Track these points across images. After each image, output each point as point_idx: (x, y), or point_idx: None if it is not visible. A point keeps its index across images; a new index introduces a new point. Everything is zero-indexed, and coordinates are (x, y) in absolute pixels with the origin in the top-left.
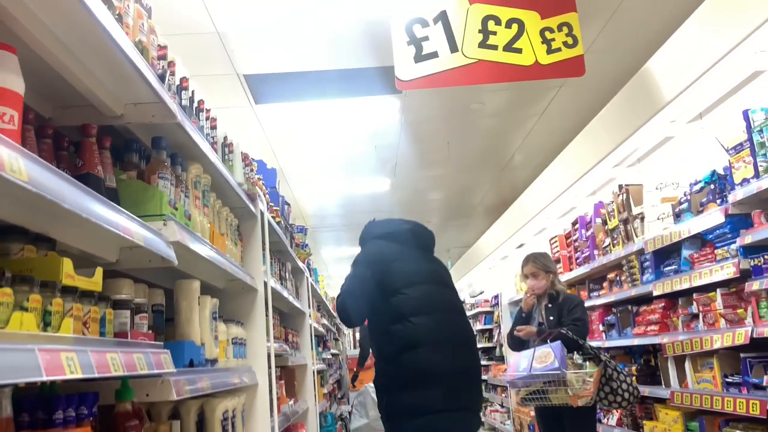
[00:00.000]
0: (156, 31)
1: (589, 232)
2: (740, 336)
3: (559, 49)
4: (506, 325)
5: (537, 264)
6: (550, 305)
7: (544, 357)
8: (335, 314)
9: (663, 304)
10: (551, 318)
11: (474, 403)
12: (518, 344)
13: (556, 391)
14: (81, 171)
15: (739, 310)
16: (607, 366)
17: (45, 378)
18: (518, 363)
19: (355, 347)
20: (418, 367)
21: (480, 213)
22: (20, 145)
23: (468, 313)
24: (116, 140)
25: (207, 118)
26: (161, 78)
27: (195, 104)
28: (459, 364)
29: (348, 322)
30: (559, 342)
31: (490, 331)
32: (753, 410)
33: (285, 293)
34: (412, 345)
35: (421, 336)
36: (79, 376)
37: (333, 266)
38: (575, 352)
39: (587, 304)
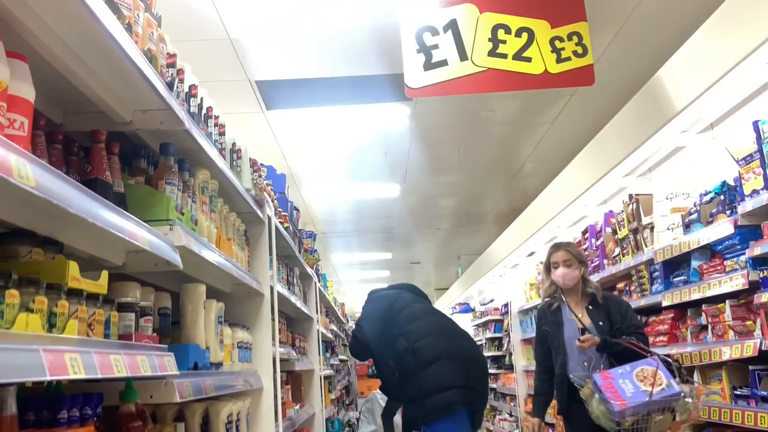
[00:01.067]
0: (165, 40)
1: (599, 242)
2: (749, 348)
3: (568, 59)
4: (516, 334)
5: (571, 251)
6: (591, 307)
7: (650, 378)
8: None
9: (672, 314)
10: (600, 323)
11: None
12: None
13: (663, 419)
14: (90, 176)
15: (747, 322)
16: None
17: (49, 378)
18: (618, 385)
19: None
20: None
21: (490, 220)
22: (30, 150)
23: (477, 321)
24: (125, 146)
25: (215, 125)
26: (170, 85)
27: (204, 111)
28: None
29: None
30: (654, 357)
31: (500, 339)
32: (761, 423)
33: (292, 298)
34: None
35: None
36: (83, 376)
37: (343, 272)
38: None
39: None
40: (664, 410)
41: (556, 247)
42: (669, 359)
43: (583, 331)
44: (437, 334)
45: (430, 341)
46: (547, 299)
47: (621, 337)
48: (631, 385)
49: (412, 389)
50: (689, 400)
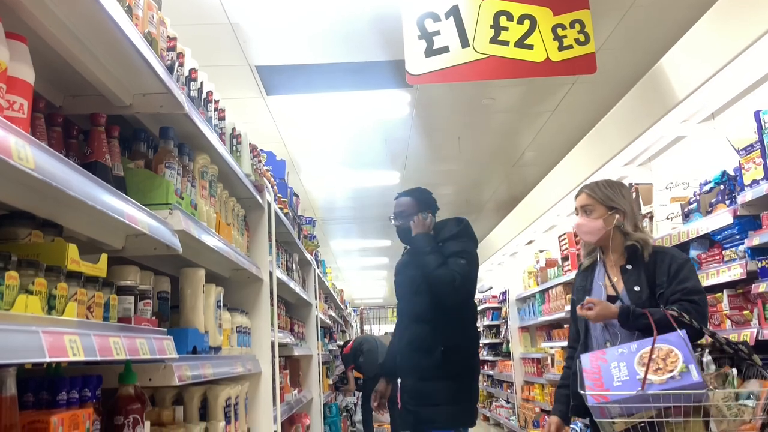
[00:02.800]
0: (166, 23)
1: None
2: (746, 337)
3: (570, 46)
4: (514, 322)
5: (594, 194)
6: (629, 266)
7: (662, 360)
8: (437, 287)
9: None
10: (637, 288)
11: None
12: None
13: (684, 427)
14: (89, 159)
15: (745, 312)
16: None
17: (48, 359)
18: (607, 369)
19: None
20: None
21: (490, 209)
22: (30, 132)
23: None
24: (125, 129)
25: (215, 109)
26: (170, 69)
27: (203, 95)
28: None
29: (445, 301)
30: (677, 332)
31: (498, 327)
32: None
33: (291, 284)
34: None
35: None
36: (82, 358)
37: (342, 258)
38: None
39: None
40: (690, 411)
41: (580, 190)
42: (724, 339)
43: (613, 299)
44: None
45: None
46: (585, 258)
47: (662, 306)
48: (626, 369)
49: (450, 389)
50: (721, 399)
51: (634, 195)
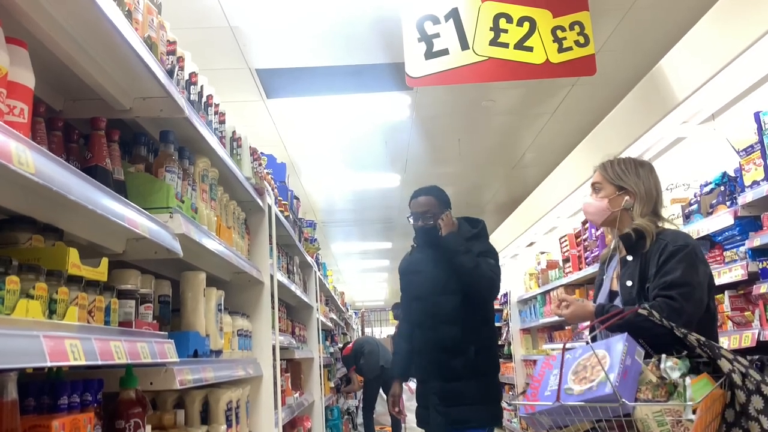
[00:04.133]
0: (166, 27)
1: (598, 232)
2: (747, 338)
3: (570, 48)
4: (515, 324)
5: (605, 171)
6: (629, 257)
7: (590, 368)
8: (478, 286)
9: None
10: (628, 283)
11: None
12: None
13: None
14: (90, 163)
15: (746, 313)
16: (734, 384)
17: (49, 364)
18: (547, 377)
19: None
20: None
21: (490, 211)
22: (30, 137)
23: None
24: (125, 133)
25: (215, 113)
26: (170, 73)
27: (204, 99)
28: None
29: (484, 300)
30: (623, 335)
31: (499, 328)
32: None
33: (292, 287)
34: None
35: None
36: (83, 362)
37: (343, 261)
38: (665, 353)
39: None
40: (623, 426)
41: (595, 168)
42: (677, 333)
43: (613, 295)
44: None
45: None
46: (606, 248)
47: (640, 303)
48: (554, 379)
49: (481, 388)
50: (648, 413)
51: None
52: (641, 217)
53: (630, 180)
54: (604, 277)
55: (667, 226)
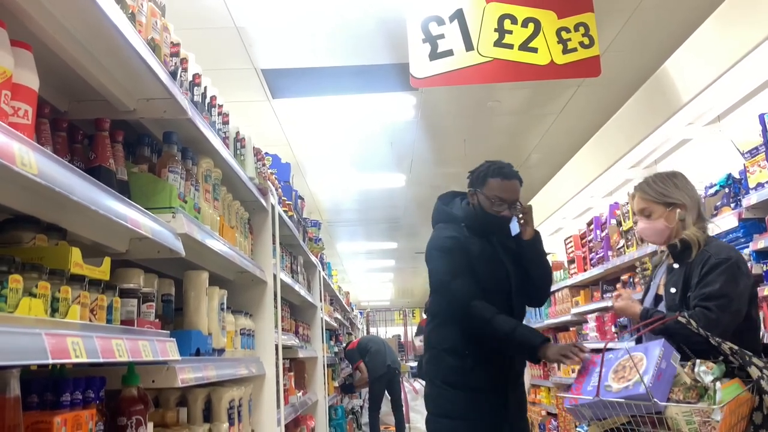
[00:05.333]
0: (169, 29)
1: (603, 233)
2: None
3: (575, 49)
4: None
5: (647, 195)
6: (675, 265)
7: (629, 369)
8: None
9: None
10: (672, 290)
11: None
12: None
13: None
14: (93, 164)
15: None
16: (762, 390)
17: (51, 361)
18: (591, 373)
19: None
20: None
21: None
22: (35, 138)
23: None
24: (129, 134)
25: (219, 114)
26: (173, 75)
27: (207, 100)
28: None
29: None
30: (661, 341)
31: None
32: None
33: (296, 286)
34: None
35: None
36: (84, 360)
37: (348, 260)
38: (699, 359)
39: (599, 305)
40: (655, 423)
41: (633, 191)
42: (712, 342)
43: (658, 299)
44: None
45: None
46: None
47: (681, 311)
48: (595, 377)
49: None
50: (677, 412)
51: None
52: (693, 226)
53: (675, 193)
54: (652, 282)
55: (709, 227)
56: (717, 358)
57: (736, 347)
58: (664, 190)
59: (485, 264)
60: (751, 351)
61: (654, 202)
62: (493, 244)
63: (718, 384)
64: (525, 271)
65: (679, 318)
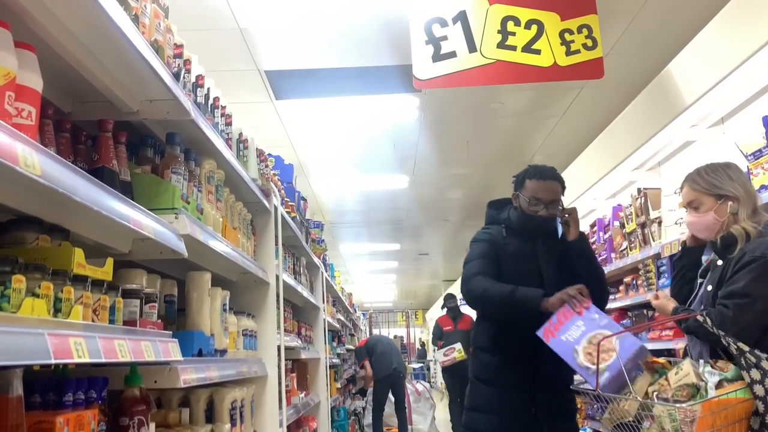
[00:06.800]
0: (173, 30)
1: (606, 235)
2: None
3: (578, 51)
4: None
5: (697, 185)
6: (719, 262)
7: (599, 351)
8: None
9: None
10: (709, 287)
11: None
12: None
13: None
14: (97, 164)
15: None
16: (756, 395)
17: (53, 361)
18: (572, 322)
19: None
20: None
21: None
22: (38, 139)
23: None
24: (132, 135)
25: (222, 115)
26: (176, 76)
27: (210, 101)
28: None
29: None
30: (639, 344)
31: None
32: None
33: (299, 288)
34: None
35: None
36: (87, 360)
37: (351, 262)
38: (713, 359)
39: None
40: (638, 417)
41: (683, 182)
42: (725, 342)
43: (694, 296)
44: None
45: None
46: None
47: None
48: (576, 334)
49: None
50: (665, 414)
51: (642, 200)
52: (746, 219)
53: (726, 185)
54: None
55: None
56: (725, 357)
57: (747, 348)
58: (715, 181)
59: (516, 262)
60: None
61: (704, 193)
62: (535, 246)
63: (711, 384)
64: (571, 273)
65: (698, 317)
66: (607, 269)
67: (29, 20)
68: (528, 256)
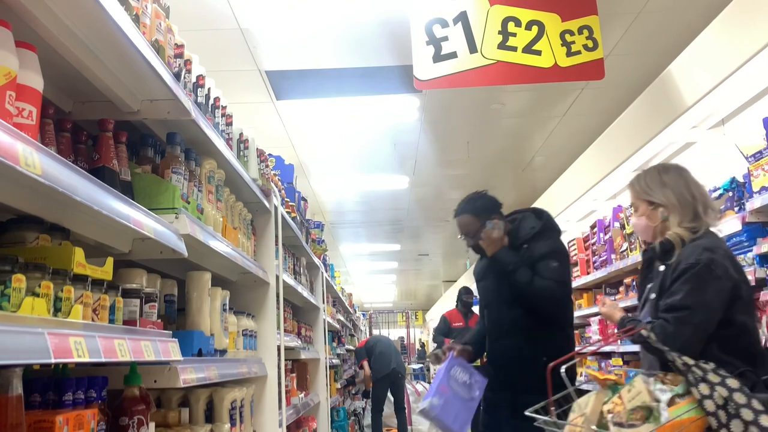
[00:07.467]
0: (174, 30)
1: (607, 236)
2: None
3: (578, 52)
4: None
5: (633, 189)
6: (662, 267)
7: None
8: (536, 302)
9: None
10: (652, 295)
11: None
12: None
13: None
14: (97, 164)
15: None
16: (708, 411)
17: (53, 360)
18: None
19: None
20: None
21: None
22: (39, 138)
23: None
24: (133, 135)
25: (223, 115)
26: (177, 76)
27: (211, 101)
28: None
29: (547, 312)
30: (445, 364)
31: None
32: None
33: (299, 288)
34: None
35: None
36: (86, 360)
37: (351, 262)
38: (666, 370)
39: None
40: None
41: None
42: (683, 365)
43: (644, 304)
44: None
45: None
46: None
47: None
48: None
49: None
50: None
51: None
52: (679, 227)
53: (656, 191)
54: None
55: (715, 226)
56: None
57: (692, 362)
58: (647, 187)
59: (478, 283)
60: (747, 358)
61: (638, 198)
62: (490, 263)
63: (662, 404)
64: (507, 291)
65: (642, 331)
66: (607, 270)
67: (30, 20)
68: (484, 276)
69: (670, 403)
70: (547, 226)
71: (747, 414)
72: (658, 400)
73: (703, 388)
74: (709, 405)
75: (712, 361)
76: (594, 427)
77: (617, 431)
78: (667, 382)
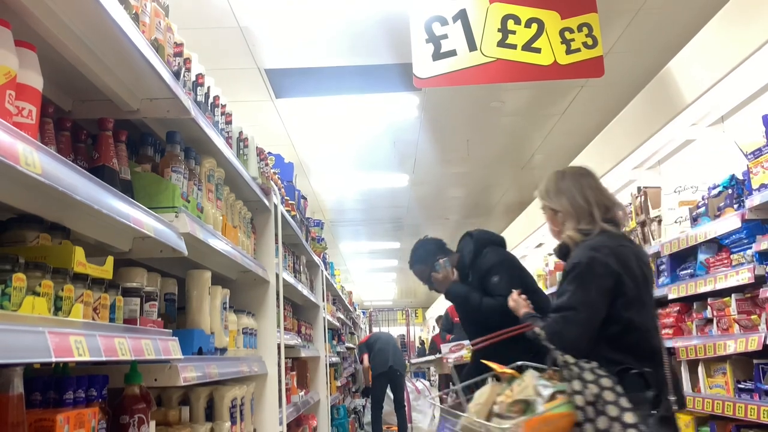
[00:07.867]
0: (173, 29)
1: None
2: (753, 342)
3: (578, 50)
4: None
5: (539, 194)
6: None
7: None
8: (490, 318)
9: (678, 307)
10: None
11: None
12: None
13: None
14: (97, 163)
15: (752, 316)
16: (577, 406)
17: (54, 359)
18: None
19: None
20: None
21: (499, 212)
22: (39, 137)
23: None
24: (132, 134)
25: (222, 114)
26: (176, 75)
27: (210, 100)
28: None
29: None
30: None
31: None
32: (764, 417)
33: (298, 286)
34: None
35: None
36: (87, 358)
37: (351, 260)
38: (544, 370)
39: None
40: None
41: None
42: (554, 356)
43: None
44: None
45: None
46: None
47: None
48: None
49: None
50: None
51: (642, 199)
52: (573, 230)
53: (551, 197)
54: None
55: (626, 225)
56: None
57: (572, 360)
58: (545, 194)
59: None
60: (639, 354)
61: (543, 202)
62: None
63: (541, 398)
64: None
65: (535, 329)
66: None
67: (30, 19)
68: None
69: (552, 398)
70: (479, 245)
71: (612, 410)
72: (540, 395)
73: (576, 384)
74: (579, 400)
75: (602, 358)
76: (476, 419)
77: (497, 422)
78: (554, 377)
